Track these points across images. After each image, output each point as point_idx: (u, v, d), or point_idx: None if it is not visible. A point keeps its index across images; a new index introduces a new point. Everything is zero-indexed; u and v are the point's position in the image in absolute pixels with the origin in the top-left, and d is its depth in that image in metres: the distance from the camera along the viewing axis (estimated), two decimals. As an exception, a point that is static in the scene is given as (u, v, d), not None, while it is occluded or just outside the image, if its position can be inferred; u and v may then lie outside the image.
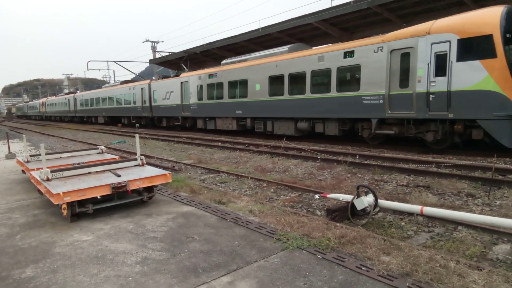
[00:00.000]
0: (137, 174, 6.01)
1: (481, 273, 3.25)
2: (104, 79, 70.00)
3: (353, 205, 5.35)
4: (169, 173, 6.11)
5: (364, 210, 5.33)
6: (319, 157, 11.02)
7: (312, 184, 7.96)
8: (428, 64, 10.99)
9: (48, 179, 5.60)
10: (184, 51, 29.13)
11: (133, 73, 34.56)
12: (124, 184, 5.42)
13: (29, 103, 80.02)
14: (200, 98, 21.70)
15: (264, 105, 17.33)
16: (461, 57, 10.33)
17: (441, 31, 10.74)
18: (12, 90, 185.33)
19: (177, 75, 24.91)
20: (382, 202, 5.45)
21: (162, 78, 27.11)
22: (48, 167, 5.87)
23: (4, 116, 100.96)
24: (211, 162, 11.39)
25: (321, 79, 14.86)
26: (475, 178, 7.87)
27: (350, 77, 13.82)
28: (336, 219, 5.19)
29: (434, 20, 11.26)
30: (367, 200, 5.29)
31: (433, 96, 10.94)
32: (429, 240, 4.81)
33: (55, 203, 4.96)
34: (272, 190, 7.73)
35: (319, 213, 6.03)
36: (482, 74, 9.97)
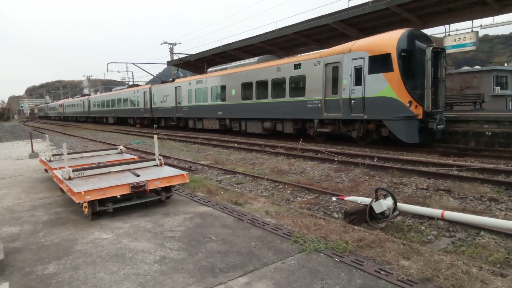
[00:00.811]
0: (155, 174, 6.10)
1: (504, 280, 3.16)
2: (123, 80, 71.19)
3: (371, 208, 5.27)
4: (186, 174, 6.18)
5: (382, 213, 5.23)
6: (336, 159, 10.93)
7: (329, 186, 7.89)
8: (350, 75, 13.55)
9: (70, 178, 5.75)
10: (180, 59, 32.06)
11: (151, 74, 35.24)
12: (143, 184, 5.50)
13: (49, 104, 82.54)
14: (190, 101, 24.69)
15: (238, 108, 20.05)
16: (371, 70, 12.88)
17: (359, 50, 13.34)
18: (35, 91, 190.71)
19: (172, 81, 27.34)
20: (402, 206, 5.35)
21: (161, 83, 29.74)
22: (70, 166, 6.02)
23: (27, 116, 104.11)
24: (227, 163, 11.44)
25: (279, 86, 17.38)
26: (498, 182, 7.63)
27: (298, 85, 16.30)
28: (354, 222, 5.12)
29: (356, 41, 14.01)
30: (386, 203, 5.20)
31: (354, 101, 13.52)
32: (450, 245, 4.69)
33: (77, 202, 5.09)
34: (288, 191, 7.70)
35: (336, 216, 5.97)
36: (384, 84, 12.50)
